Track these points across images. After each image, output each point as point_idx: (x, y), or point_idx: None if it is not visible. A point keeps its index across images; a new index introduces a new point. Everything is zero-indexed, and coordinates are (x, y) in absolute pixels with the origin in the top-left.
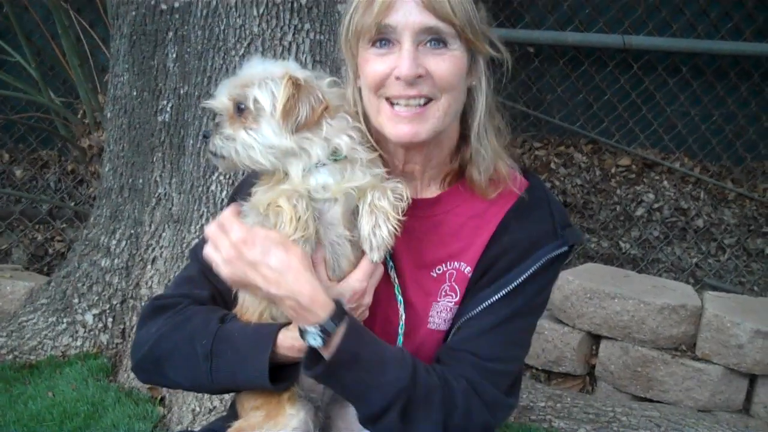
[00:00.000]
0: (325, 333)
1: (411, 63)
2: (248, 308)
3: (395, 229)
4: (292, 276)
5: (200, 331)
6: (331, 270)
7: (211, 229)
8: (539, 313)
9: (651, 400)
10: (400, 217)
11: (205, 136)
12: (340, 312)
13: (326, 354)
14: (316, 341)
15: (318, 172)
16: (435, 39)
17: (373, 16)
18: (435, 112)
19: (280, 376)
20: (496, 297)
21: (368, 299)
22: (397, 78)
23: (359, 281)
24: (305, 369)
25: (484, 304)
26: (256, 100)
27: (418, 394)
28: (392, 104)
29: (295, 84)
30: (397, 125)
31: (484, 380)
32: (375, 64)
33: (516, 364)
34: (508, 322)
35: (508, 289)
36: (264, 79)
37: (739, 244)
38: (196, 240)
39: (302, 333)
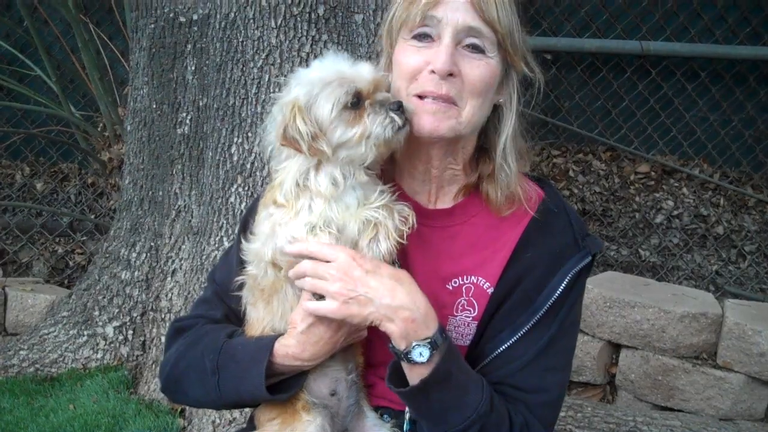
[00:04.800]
0: (434, 347)
1: (448, 58)
2: (252, 325)
3: (393, 248)
4: (407, 287)
5: (209, 347)
6: None
7: (306, 266)
8: (575, 332)
9: (672, 409)
10: (402, 241)
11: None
12: (442, 327)
13: (420, 372)
14: (422, 356)
15: (347, 194)
16: (474, 45)
17: (421, 6)
18: (456, 115)
19: (283, 387)
20: (531, 323)
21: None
22: (432, 71)
23: None
24: (392, 384)
25: (519, 333)
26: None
27: (492, 421)
28: (420, 98)
29: None
30: (421, 116)
31: (533, 415)
32: (412, 55)
33: (558, 390)
34: (547, 349)
35: (541, 313)
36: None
37: (759, 251)
38: (216, 252)
39: (406, 353)
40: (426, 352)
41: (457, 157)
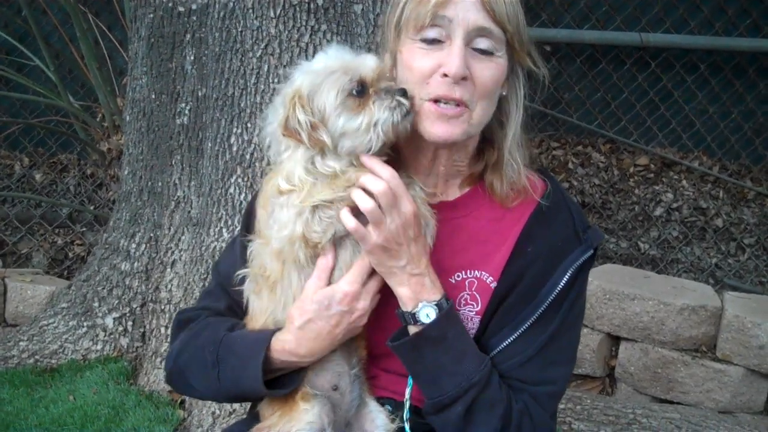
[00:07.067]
0: (440, 309)
1: (461, 62)
2: (255, 316)
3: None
4: (427, 257)
5: (210, 339)
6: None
7: (381, 187)
8: (578, 326)
9: (671, 402)
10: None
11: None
12: (447, 297)
13: (415, 329)
14: (428, 317)
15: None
16: (483, 49)
17: (431, 6)
18: (468, 119)
19: (282, 383)
20: (533, 319)
21: (363, 304)
22: (445, 75)
23: (350, 283)
24: (391, 340)
25: (521, 329)
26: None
27: (487, 396)
28: (436, 102)
29: None
30: (434, 123)
31: (537, 404)
32: (421, 58)
33: (563, 383)
34: (549, 344)
35: (542, 309)
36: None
37: (759, 243)
38: (216, 243)
39: (413, 314)
40: (433, 313)
41: (463, 154)
